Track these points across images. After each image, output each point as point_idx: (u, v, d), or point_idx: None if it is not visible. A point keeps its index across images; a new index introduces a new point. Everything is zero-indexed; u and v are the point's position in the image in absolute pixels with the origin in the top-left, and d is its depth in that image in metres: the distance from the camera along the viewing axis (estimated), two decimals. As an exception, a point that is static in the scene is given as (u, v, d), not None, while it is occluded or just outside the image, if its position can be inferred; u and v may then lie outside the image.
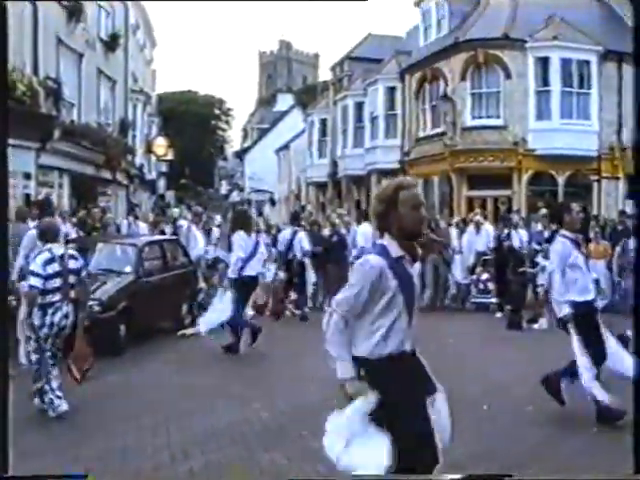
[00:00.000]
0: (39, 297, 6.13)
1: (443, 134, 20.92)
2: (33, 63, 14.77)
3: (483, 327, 11.58)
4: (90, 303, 7.77)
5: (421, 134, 22.78)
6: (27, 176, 14.67)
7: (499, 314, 12.35)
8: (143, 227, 14.22)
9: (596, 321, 5.79)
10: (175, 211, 16.18)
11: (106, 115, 21.60)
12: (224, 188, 66.32)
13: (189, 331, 10.05)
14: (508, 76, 20.06)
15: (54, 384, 6.09)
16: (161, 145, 30.52)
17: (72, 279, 6.27)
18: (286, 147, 41.83)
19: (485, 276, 13.48)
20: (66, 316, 6.22)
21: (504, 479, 3.64)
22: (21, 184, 14.43)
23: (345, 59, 30.98)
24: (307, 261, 12.64)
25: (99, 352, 6.66)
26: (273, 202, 45.06)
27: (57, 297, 6.16)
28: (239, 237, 9.00)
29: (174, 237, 12.23)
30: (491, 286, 13.26)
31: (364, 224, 13.23)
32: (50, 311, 6.15)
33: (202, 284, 11.80)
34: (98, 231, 12.75)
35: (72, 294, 6.22)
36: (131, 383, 7.34)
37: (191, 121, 60.25)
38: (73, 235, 11.40)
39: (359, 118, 26.30)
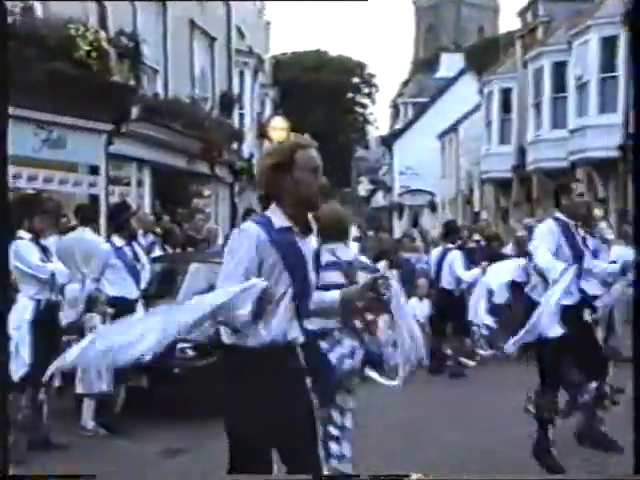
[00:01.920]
0: None
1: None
2: (100, 13, 15.23)
3: None
4: (182, 345, 8.15)
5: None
6: (94, 170, 15.14)
7: None
8: None
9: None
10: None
11: (203, 86, 22.12)
12: (364, 187, 66.98)
13: None
14: None
15: None
16: (278, 127, 31.00)
17: None
18: (453, 129, 41.35)
19: None
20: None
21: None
22: (86, 181, 14.93)
23: (540, -1, 30.25)
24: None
25: (194, 413, 6.92)
26: (433, 207, 44.71)
27: None
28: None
29: None
30: None
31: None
32: None
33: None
34: (193, 246, 12.93)
35: None
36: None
37: (320, 94, 61.14)
38: (157, 251, 11.62)
39: (560, 86, 25.79)
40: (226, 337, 3.86)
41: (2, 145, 4.91)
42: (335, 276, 5.55)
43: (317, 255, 4.07)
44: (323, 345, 5.64)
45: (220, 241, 13.86)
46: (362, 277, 5.41)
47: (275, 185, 3.88)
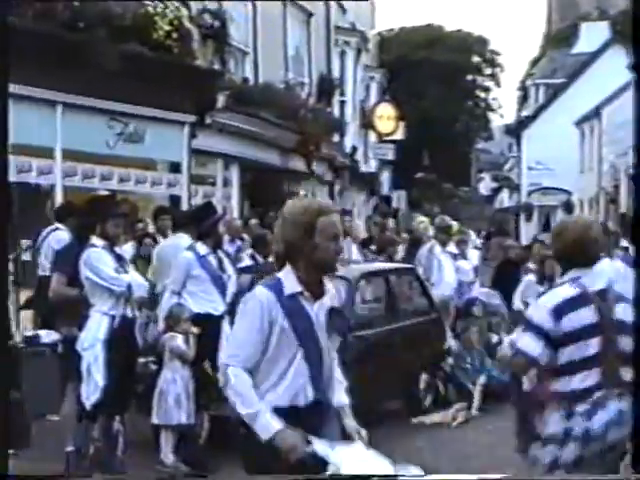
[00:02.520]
0: None
1: None
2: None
3: None
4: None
5: None
6: (175, 168, 15.43)
7: None
8: (354, 249, 14.78)
9: None
10: (421, 222, 16.22)
11: (298, 70, 22.27)
12: (486, 185, 66.35)
13: (433, 418, 10.61)
14: None
15: None
16: (385, 116, 31.05)
17: None
18: (595, 115, 40.62)
19: None
20: None
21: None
22: (166, 180, 15.23)
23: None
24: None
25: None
26: (570, 207, 43.93)
27: None
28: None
29: (408, 266, 12.67)
30: None
31: None
32: None
33: (451, 342, 12.17)
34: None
35: None
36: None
37: (433, 76, 60.79)
38: (246, 261, 11.80)
39: None
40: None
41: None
42: (587, 314, 5.03)
43: (331, 315, 4.56)
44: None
45: None
46: (620, 309, 5.00)
47: (293, 248, 4.39)
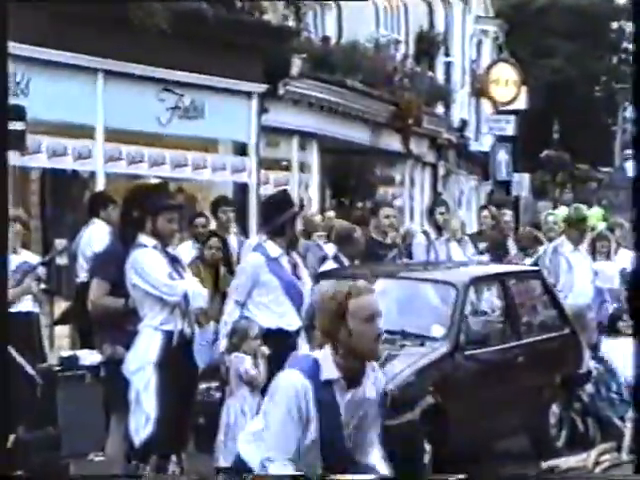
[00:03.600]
0: None
1: None
2: None
3: None
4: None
5: None
6: (241, 149, 15.58)
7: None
8: (456, 250, 14.33)
9: None
10: (551, 214, 16.02)
11: (391, 24, 22.25)
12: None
13: (569, 462, 9.97)
14: None
15: None
16: (504, 81, 30.79)
17: None
18: None
19: None
20: None
21: None
22: (229, 163, 15.33)
23: None
24: None
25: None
26: None
27: None
28: None
29: (532, 268, 12.75)
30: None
31: None
32: None
33: (591, 365, 11.84)
34: (378, 255, 12.87)
35: None
36: None
37: (564, 27, 59.88)
38: (329, 263, 11.88)
39: None
40: None
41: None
42: None
43: (373, 404, 5.11)
44: None
45: (420, 248, 13.94)
46: None
47: (330, 331, 4.94)
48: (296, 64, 15.99)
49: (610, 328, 12.49)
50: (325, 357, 4.94)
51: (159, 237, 7.78)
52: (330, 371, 4.92)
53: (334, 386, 4.95)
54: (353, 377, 4.99)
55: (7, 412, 5.53)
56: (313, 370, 4.92)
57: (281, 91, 15.87)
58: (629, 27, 67.48)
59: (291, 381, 4.91)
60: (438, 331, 9.94)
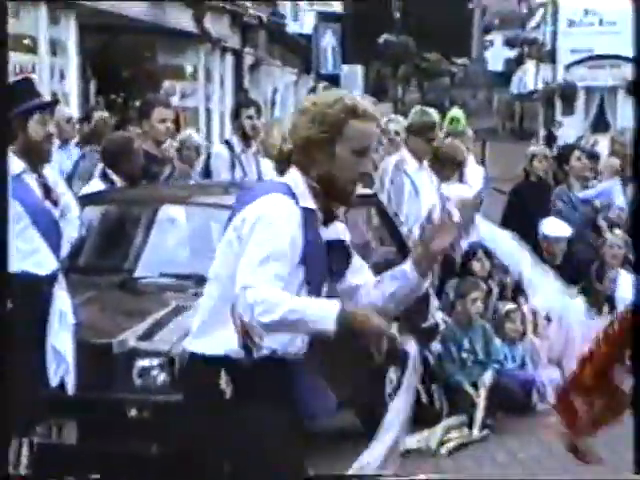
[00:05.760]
0: None
1: None
2: None
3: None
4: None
5: None
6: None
7: None
8: (269, 166, 10.12)
9: None
10: (391, 120, 12.86)
11: None
12: (497, 54, 55.82)
13: (409, 442, 8.29)
14: None
15: None
16: None
17: None
18: None
19: None
20: None
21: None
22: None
23: None
24: None
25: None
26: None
27: None
28: None
29: (367, 192, 9.65)
30: None
31: None
32: None
33: (438, 317, 10.10)
34: (149, 173, 9.87)
35: None
36: None
37: None
38: (96, 182, 9.61)
39: None
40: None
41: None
42: None
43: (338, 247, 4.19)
44: None
45: (220, 163, 11.13)
46: None
47: (306, 150, 4.06)
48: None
49: (462, 269, 10.90)
50: (296, 182, 4.05)
51: None
52: (306, 198, 4.04)
53: (313, 216, 4.05)
54: (326, 211, 4.12)
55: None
56: (293, 196, 4.00)
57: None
58: None
59: (287, 205, 3.97)
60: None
